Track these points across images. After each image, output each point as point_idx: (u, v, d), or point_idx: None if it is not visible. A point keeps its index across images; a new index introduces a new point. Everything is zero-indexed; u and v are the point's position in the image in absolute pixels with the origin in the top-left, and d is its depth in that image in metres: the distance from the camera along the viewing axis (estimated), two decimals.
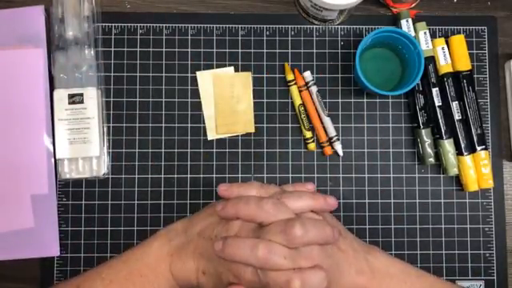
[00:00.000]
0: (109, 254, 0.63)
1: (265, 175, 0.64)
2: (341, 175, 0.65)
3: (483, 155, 0.63)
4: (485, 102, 0.65)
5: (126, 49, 0.65)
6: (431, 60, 0.63)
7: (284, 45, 0.66)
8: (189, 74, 0.65)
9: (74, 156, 0.62)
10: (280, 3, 0.66)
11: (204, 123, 0.65)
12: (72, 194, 0.64)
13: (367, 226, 0.64)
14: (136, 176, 0.64)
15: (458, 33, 0.66)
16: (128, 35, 0.65)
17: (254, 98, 0.65)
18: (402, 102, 0.66)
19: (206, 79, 0.65)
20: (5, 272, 0.63)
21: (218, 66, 0.65)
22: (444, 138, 0.63)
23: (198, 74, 0.65)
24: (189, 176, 0.64)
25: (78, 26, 0.63)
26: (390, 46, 0.63)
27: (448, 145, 0.63)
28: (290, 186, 0.56)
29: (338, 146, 0.64)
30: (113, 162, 0.64)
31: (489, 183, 0.63)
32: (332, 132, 0.64)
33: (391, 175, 0.65)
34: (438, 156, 0.64)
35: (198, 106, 0.65)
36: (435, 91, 0.63)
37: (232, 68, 0.65)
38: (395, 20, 0.66)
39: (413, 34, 0.63)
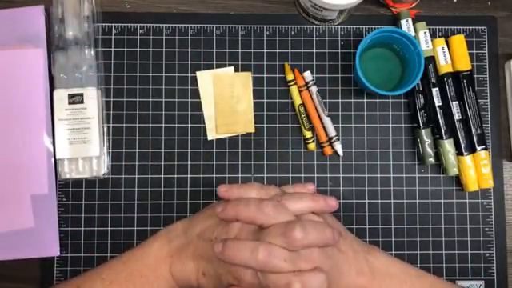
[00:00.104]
0: (109, 254, 0.63)
1: (265, 175, 0.64)
2: (341, 175, 0.65)
3: (483, 155, 0.63)
4: (485, 102, 0.65)
5: (125, 49, 0.65)
6: (431, 60, 0.63)
7: (284, 45, 0.66)
8: (189, 74, 0.65)
9: (74, 156, 0.62)
10: (280, 3, 0.66)
11: (204, 123, 0.65)
12: (72, 194, 0.64)
13: (367, 226, 0.64)
14: (136, 176, 0.64)
15: (458, 33, 0.66)
16: (128, 35, 0.65)
17: (254, 97, 0.65)
18: (402, 102, 0.66)
19: (205, 79, 0.65)
20: (5, 272, 0.63)
21: (218, 66, 0.65)
22: (444, 137, 0.63)
23: (198, 74, 0.65)
24: (189, 176, 0.64)
25: (78, 26, 0.63)
26: (390, 46, 0.63)
27: (448, 145, 0.63)
28: (290, 187, 0.56)
29: (338, 146, 0.64)
30: (113, 162, 0.64)
31: (489, 183, 0.63)
32: (332, 132, 0.64)
33: (391, 175, 0.65)
34: (438, 156, 0.64)
35: (198, 106, 0.65)
36: (435, 91, 0.63)
37: (232, 68, 0.65)
38: (395, 20, 0.65)
39: (413, 33, 0.63)
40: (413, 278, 0.54)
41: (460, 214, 0.64)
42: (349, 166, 0.65)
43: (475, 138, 0.63)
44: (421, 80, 0.63)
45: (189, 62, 0.65)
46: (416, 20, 0.64)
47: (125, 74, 0.65)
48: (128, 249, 0.56)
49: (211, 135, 0.65)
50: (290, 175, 0.64)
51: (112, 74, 0.65)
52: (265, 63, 0.65)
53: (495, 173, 0.64)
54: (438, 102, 0.63)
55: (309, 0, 0.60)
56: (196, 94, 0.65)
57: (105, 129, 0.64)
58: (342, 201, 0.64)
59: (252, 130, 0.65)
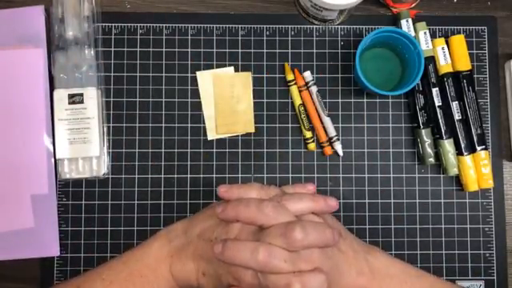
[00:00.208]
0: (109, 254, 0.63)
1: (265, 175, 0.64)
2: (341, 175, 0.65)
3: (483, 155, 0.63)
4: (485, 102, 0.65)
5: (125, 49, 0.65)
6: (431, 60, 0.63)
7: (284, 45, 0.66)
8: (189, 74, 0.65)
9: (74, 156, 0.62)
10: (280, 3, 0.66)
11: (204, 123, 0.65)
12: (72, 194, 0.64)
13: (367, 226, 0.64)
14: (136, 176, 0.64)
15: (458, 33, 0.66)
16: (128, 35, 0.65)
17: (254, 97, 0.65)
18: (402, 102, 0.66)
19: (206, 79, 0.65)
20: (5, 272, 0.63)
21: (218, 66, 0.65)
22: (444, 137, 0.63)
23: (198, 74, 0.65)
24: (189, 176, 0.64)
25: (78, 26, 0.63)
26: (390, 46, 0.63)
27: (448, 145, 0.63)
28: (290, 188, 0.56)
29: (338, 146, 0.64)
30: (113, 162, 0.64)
31: (489, 183, 0.63)
32: (332, 132, 0.64)
33: (391, 175, 0.65)
34: (438, 156, 0.64)
35: (198, 106, 0.65)
36: (435, 91, 0.63)
37: (232, 68, 0.65)
38: (395, 20, 0.65)
39: (413, 33, 0.63)
40: (413, 278, 0.54)
41: (460, 214, 0.64)
42: (349, 165, 0.65)
43: (475, 138, 0.63)
44: (421, 80, 0.63)
45: (189, 62, 0.65)
46: (416, 20, 0.64)
47: (125, 74, 0.65)
48: (128, 249, 0.56)
49: (211, 135, 0.65)
50: (290, 175, 0.64)
51: (112, 74, 0.65)
52: (265, 63, 0.65)
53: (495, 173, 0.64)
54: (437, 102, 0.63)
55: (309, 0, 0.60)
56: (196, 93, 0.65)
57: (105, 129, 0.64)
58: (341, 201, 0.64)
59: (252, 129, 0.65)
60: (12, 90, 0.62)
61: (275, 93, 0.65)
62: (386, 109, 0.65)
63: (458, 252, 0.64)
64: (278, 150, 0.65)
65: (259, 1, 0.67)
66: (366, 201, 0.64)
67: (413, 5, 0.66)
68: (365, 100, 0.65)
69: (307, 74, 0.64)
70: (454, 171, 0.63)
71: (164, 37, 0.65)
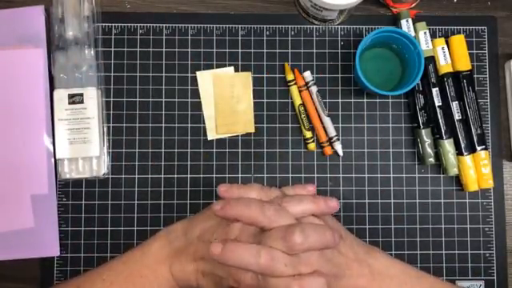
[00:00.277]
0: (109, 254, 0.63)
1: (265, 175, 0.64)
2: (341, 175, 0.65)
3: (483, 155, 0.63)
4: (485, 102, 0.65)
5: (125, 49, 0.65)
6: (431, 60, 0.63)
7: (284, 45, 0.66)
8: (189, 74, 0.65)
9: (74, 156, 0.62)
10: (280, 3, 0.66)
11: (204, 123, 0.65)
12: (72, 194, 0.64)
13: (367, 226, 0.64)
14: (136, 176, 0.64)
15: (458, 33, 0.66)
16: (128, 35, 0.65)
17: (254, 97, 0.65)
18: (402, 102, 0.66)
19: (205, 79, 0.65)
20: (5, 272, 0.63)
21: (218, 66, 0.65)
22: (444, 138, 0.63)
23: (198, 74, 0.65)
24: (189, 176, 0.64)
25: (78, 26, 0.63)
26: (390, 46, 0.63)
27: (448, 145, 0.63)
28: (290, 189, 0.56)
29: (338, 146, 0.64)
30: (113, 162, 0.64)
31: (489, 183, 0.63)
32: (332, 132, 0.64)
33: (391, 175, 0.65)
34: (438, 156, 0.64)
35: (198, 106, 0.65)
36: (435, 91, 0.63)
37: (232, 68, 0.65)
38: (395, 20, 0.65)
39: (413, 33, 0.63)
40: (413, 279, 0.54)
41: (460, 214, 0.64)
42: (349, 165, 0.65)
43: (475, 138, 0.63)
44: (421, 80, 0.63)
45: (189, 62, 0.65)
46: (416, 20, 0.64)
47: (125, 74, 0.65)
48: (128, 249, 0.56)
49: (211, 135, 0.65)
50: (290, 175, 0.64)
51: (112, 74, 0.65)
52: (265, 63, 0.65)
53: (495, 173, 0.64)
54: (438, 102, 0.63)
55: (309, 0, 0.60)
56: (196, 93, 0.65)
57: (105, 129, 0.64)
58: (342, 201, 0.64)
59: (252, 130, 0.65)
60: (12, 90, 0.62)
61: (275, 93, 0.65)
62: (386, 109, 0.65)
63: (457, 252, 0.64)
64: (277, 150, 0.65)
65: (259, 1, 0.67)
66: (366, 201, 0.64)
67: (413, 5, 0.66)
68: (365, 100, 0.65)
69: (307, 74, 0.64)
70: (454, 171, 0.63)
71: (164, 37, 0.65)
